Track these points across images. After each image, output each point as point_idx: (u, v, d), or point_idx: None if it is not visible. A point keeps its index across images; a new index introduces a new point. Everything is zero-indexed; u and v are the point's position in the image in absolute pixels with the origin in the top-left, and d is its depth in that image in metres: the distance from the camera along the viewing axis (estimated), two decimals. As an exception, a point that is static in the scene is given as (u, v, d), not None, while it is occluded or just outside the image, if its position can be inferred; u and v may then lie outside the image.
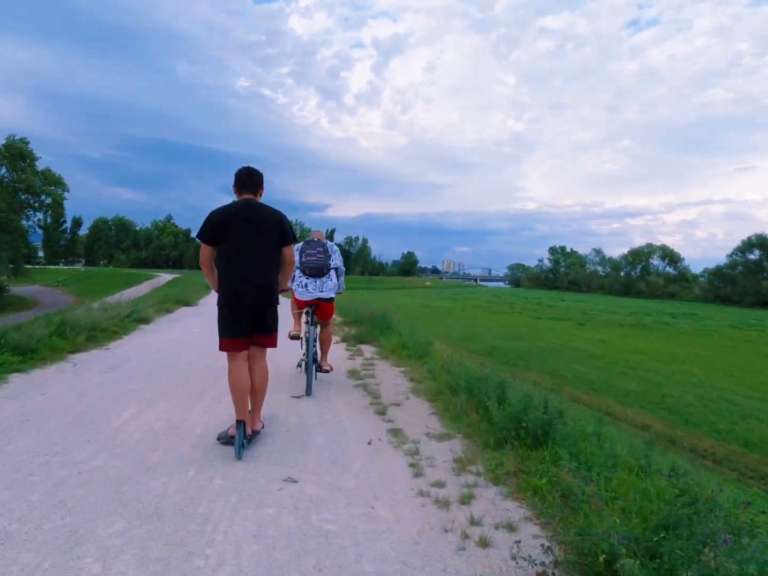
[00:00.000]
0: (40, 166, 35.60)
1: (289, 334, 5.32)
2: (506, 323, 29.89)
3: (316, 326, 5.16)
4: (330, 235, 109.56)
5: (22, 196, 35.14)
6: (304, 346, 5.14)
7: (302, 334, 5.26)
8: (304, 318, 5.23)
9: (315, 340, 5.04)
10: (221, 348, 3.35)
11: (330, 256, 5.11)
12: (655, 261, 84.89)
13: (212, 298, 6.14)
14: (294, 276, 5.04)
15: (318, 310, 5.11)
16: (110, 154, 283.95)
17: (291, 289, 4.97)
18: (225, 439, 3.40)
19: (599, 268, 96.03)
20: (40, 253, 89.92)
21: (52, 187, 36.87)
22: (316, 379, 5.17)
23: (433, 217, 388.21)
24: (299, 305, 5.17)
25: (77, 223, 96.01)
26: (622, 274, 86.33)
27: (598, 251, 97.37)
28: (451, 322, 28.62)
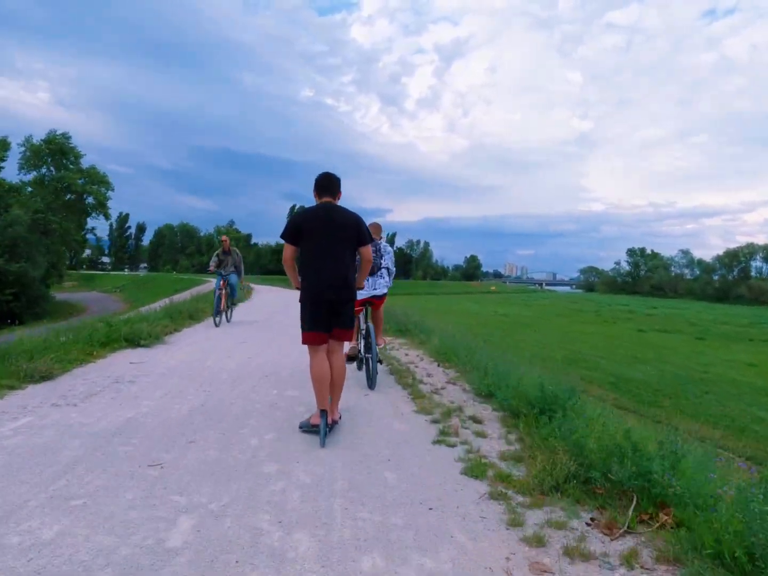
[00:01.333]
0: (99, 166, 33.75)
1: (345, 354, 4.62)
2: (606, 337, 24.69)
3: (370, 323, 5.26)
4: (391, 239, 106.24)
5: (66, 197, 32.97)
6: (360, 345, 5.44)
7: (360, 347, 5.48)
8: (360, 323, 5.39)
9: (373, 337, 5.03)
10: (304, 341, 3.55)
11: (382, 255, 5.35)
12: (758, 263, 75.21)
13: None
14: None
15: (373, 306, 5.41)
16: (180, 164, 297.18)
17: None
18: (307, 428, 3.58)
19: (686, 271, 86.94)
20: (106, 259, 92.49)
21: (95, 186, 34.61)
22: (377, 372, 5.10)
23: (494, 219, 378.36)
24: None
25: (141, 229, 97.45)
26: (715, 277, 77.18)
27: (685, 252, 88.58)
28: (538, 335, 23.85)
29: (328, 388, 3.51)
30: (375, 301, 5.36)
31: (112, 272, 75.36)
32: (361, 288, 4.04)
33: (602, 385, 13.14)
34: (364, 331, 5.28)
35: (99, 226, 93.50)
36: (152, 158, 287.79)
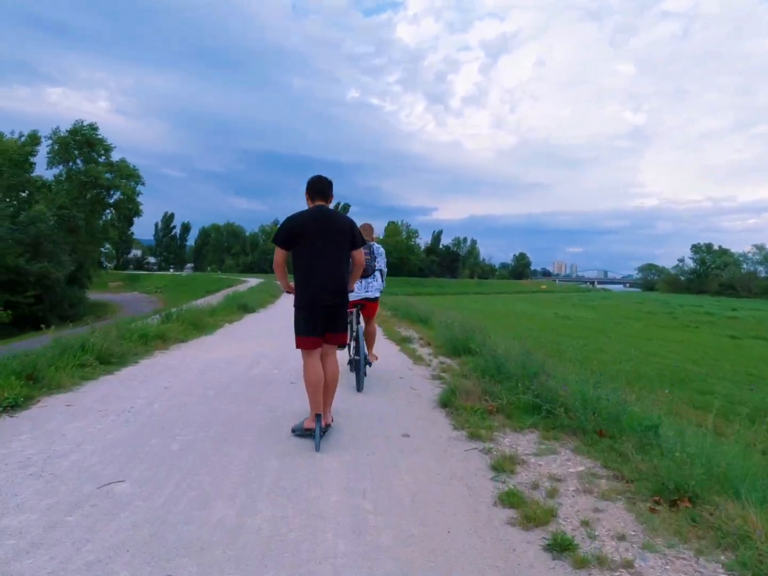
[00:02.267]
0: (132, 160, 32.00)
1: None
2: (695, 345, 20.87)
3: (362, 324, 5.38)
4: (436, 237, 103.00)
5: (94, 191, 31.28)
6: (351, 346, 5.44)
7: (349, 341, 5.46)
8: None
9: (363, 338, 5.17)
10: (298, 346, 3.58)
11: (375, 258, 5.33)
12: None
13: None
14: None
15: (364, 310, 5.43)
16: (230, 166, 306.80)
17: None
18: (300, 432, 3.60)
19: (760, 269, 79.54)
20: (152, 259, 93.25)
21: (124, 180, 32.48)
22: (366, 375, 5.22)
23: (541, 217, 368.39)
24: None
25: (186, 228, 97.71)
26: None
27: (760, 247, 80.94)
28: (615, 342, 20.36)
29: (321, 391, 3.53)
30: (367, 304, 5.40)
31: (157, 272, 75.36)
32: (351, 291, 3.95)
33: (734, 418, 9.80)
34: (354, 333, 5.29)
35: (140, 226, 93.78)
36: (203, 162, 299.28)
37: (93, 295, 41.20)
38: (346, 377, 5.23)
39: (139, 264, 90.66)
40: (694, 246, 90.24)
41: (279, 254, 3.58)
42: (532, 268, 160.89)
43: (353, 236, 3.64)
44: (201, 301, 16.83)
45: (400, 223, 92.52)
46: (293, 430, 3.65)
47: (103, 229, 33.59)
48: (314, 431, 3.43)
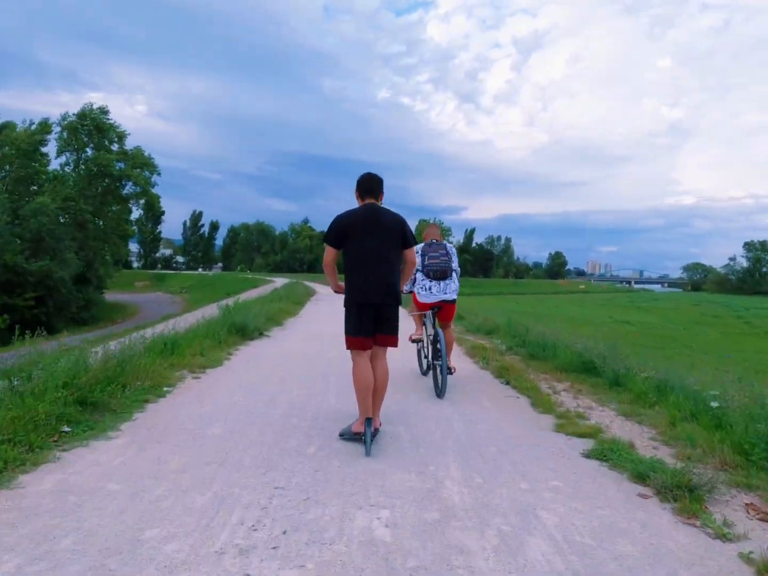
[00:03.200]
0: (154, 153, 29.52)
1: (410, 337, 5.43)
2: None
3: (441, 328, 5.13)
4: (469, 236, 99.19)
5: (105, 183, 28.78)
6: (426, 350, 5.41)
7: (424, 338, 5.47)
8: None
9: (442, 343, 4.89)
10: (348, 346, 3.48)
11: (452, 258, 5.17)
12: None
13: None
14: (415, 279, 5.13)
15: (441, 312, 5.20)
16: (264, 168, 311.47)
17: (407, 292, 5.14)
18: (348, 436, 3.45)
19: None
20: (180, 258, 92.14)
21: (138, 170, 29.45)
22: (446, 382, 4.80)
23: (574, 215, 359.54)
24: (421, 308, 5.26)
25: (215, 227, 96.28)
26: None
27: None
28: (701, 354, 16.99)
29: (371, 394, 3.41)
30: (444, 306, 5.17)
31: (183, 272, 74.20)
32: (404, 292, 4.04)
33: None
34: (431, 336, 5.15)
35: (171, 225, 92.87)
36: (238, 164, 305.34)
37: (113, 296, 39.64)
38: (418, 380, 5.40)
39: (167, 263, 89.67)
40: (746, 244, 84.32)
41: (329, 253, 3.58)
42: (566, 267, 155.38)
43: (404, 234, 3.58)
44: (197, 314, 14.25)
45: (432, 220, 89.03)
46: (341, 435, 3.51)
47: (117, 225, 30.83)
48: (363, 435, 3.29)
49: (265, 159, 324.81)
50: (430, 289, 5.07)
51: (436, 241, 5.23)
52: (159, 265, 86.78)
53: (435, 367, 4.94)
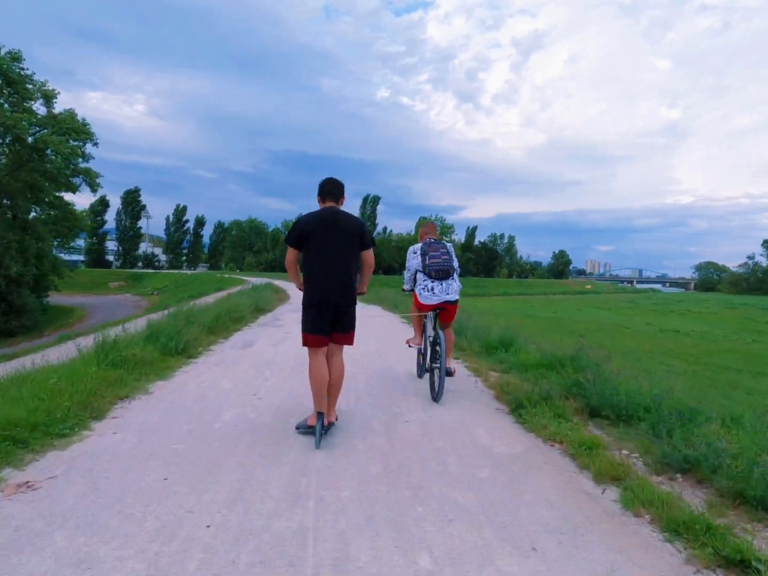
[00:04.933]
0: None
1: (408, 342, 5.40)
2: None
3: (441, 330, 4.99)
4: (471, 233, 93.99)
5: (17, 148, 21.79)
6: (426, 351, 5.23)
7: (422, 346, 5.33)
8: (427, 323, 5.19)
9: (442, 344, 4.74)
10: (304, 343, 3.62)
11: (452, 257, 5.02)
12: None
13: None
14: (416, 280, 5.03)
15: (443, 313, 5.05)
16: (260, 167, 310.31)
17: (408, 290, 5.20)
18: (303, 429, 3.62)
19: None
20: (164, 257, 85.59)
21: (65, 137, 22.26)
22: (443, 385, 4.65)
23: (571, 215, 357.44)
24: (422, 309, 5.06)
25: (200, 223, 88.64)
26: None
27: None
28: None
29: (325, 390, 3.56)
30: (447, 307, 5.00)
31: (164, 271, 68.76)
32: (363, 294, 3.92)
33: None
34: (431, 338, 5.03)
35: (159, 221, 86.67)
36: (234, 163, 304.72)
37: (69, 299, 34.76)
38: (415, 383, 5.29)
39: (150, 261, 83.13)
40: (765, 242, 79.58)
41: (291, 254, 3.67)
42: (570, 266, 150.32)
43: (363, 237, 3.66)
44: (141, 321, 9.14)
45: (434, 218, 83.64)
46: (297, 427, 3.68)
47: (50, 212, 24.49)
48: (315, 429, 3.47)
49: (261, 158, 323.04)
50: (432, 289, 4.89)
51: (435, 239, 5.10)
52: (140, 264, 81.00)
53: (433, 370, 4.82)
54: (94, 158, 25.72)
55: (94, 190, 25.44)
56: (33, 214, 23.94)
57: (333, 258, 3.52)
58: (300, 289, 3.74)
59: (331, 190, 3.69)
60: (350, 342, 3.72)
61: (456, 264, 5.00)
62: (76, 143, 22.84)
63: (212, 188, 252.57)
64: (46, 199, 23.94)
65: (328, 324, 3.54)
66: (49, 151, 21.63)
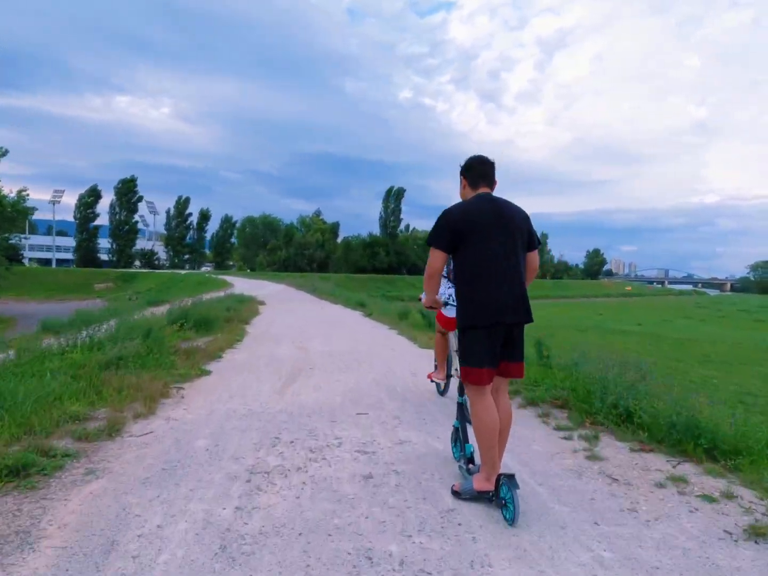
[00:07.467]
0: None
1: (431, 376, 4.62)
2: None
3: None
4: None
5: None
6: (449, 368, 4.45)
7: (446, 381, 4.61)
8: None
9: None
10: (468, 380, 2.63)
11: None
12: None
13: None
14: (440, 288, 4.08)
15: None
16: (284, 169, 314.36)
17: (443, 302, 3.83)
18: (470, 495, 2.61)
19: None
20: (164, 254, 77.81)
21: None
22: None
23: (594, 215, 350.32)
24: (447, 326, 3.97)
25: (205, 217, 79.97)
26: None
27: None
28: None
29: (497, 440, 2.60)
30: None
31: (158, 271, 61.99)
32: (436, 307, 3.33)
33: None
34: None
35: (161, 218, 79.30)
36: (259, 164, 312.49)
37: (22, 305, 29.10)
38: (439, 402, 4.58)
39: (149, 260, 75.25)
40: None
41: (437, 258, 2.66)
42: (605, 267, 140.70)
43: (531, 233, 2.72)
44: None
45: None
46: (459, 492, 2.65)
47: None
48: (491, 494, 2.51)
49: (285, 159, 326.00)
50: None
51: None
52: (137, 263, 73.85)
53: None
54: None
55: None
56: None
57: (504, 261, 2.55)
58: (431, 307, 3.19)
59: (486, 171, 2.75)
60: (521, 374, 2.73)
61: None
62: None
63: (237, 189, 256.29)
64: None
65: (498, 351, 2.56)
66: None
